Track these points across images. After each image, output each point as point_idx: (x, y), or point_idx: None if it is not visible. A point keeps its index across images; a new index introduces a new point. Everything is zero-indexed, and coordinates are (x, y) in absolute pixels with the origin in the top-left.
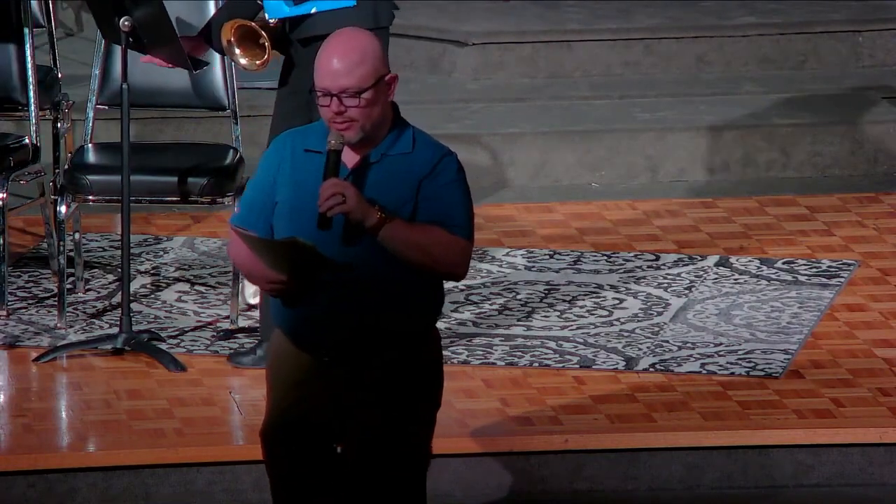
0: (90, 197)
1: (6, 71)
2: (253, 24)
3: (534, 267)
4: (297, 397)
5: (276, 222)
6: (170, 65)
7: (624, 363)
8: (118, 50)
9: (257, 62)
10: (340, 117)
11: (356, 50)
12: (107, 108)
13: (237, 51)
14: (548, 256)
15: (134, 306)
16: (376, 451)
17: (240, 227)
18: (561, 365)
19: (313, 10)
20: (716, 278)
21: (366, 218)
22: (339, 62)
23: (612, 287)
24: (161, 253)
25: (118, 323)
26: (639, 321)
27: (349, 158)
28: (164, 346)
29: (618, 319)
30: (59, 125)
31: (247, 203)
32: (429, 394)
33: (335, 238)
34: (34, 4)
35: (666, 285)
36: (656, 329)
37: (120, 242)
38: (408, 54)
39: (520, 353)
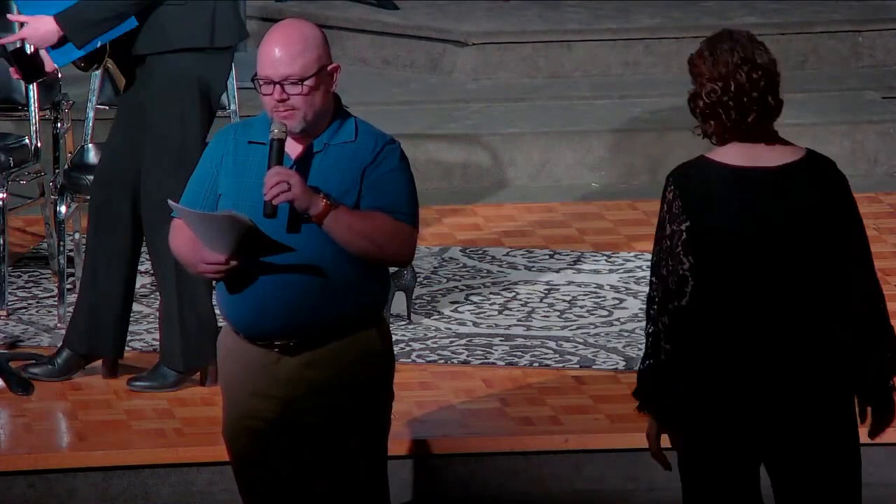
0: (90, 197)
1: (6, 71)
2: None
3: (534, 267)
4: (249, 392)
5: None
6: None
7: (624, 363)
8: None
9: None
10: (283, 105)
11: (299, 39)
12: (107, 108)
13: None
14: (548, 256)
15: (134, 306)
16: (328, 443)
17: (174, 205)
18: (561, 365)
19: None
20: None
21: (311, 206)
22: (281, 51)
23: (612, 287)
24: None
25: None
26: (639, 321)
27: (292, 149)
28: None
29: (618, 319)
30: (58, 125)
31: (189, 195)
32: (377, 385)
33: (281, 227)
34: None
35: None
36: None
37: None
38: (408, 54)
39: (520, 353)
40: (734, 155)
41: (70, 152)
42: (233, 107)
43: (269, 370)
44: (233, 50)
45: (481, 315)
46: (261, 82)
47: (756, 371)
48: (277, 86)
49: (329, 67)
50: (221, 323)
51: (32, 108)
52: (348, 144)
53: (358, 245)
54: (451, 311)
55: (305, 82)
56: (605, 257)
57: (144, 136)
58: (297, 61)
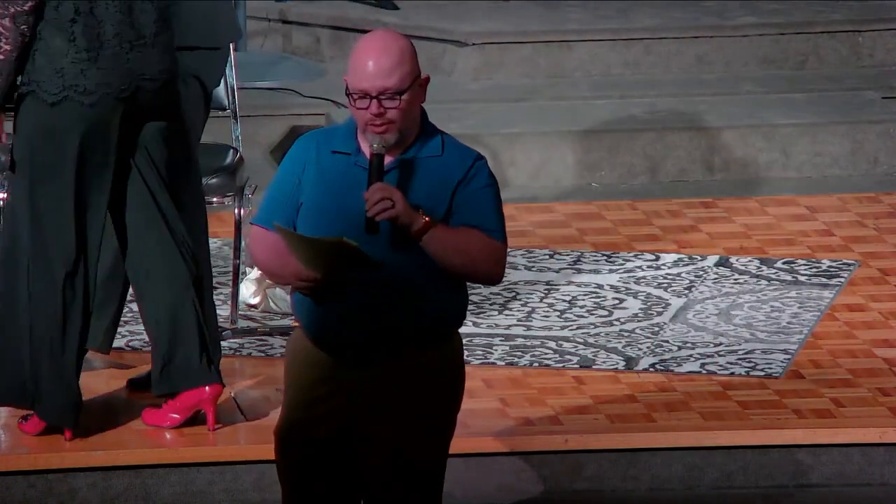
0: None
1: None
2: None
3: (534, 267)
4: (314, 398)
5: (301, 223)
6: None
7: (624, 363)
8: None
9: None
10: (379, 119)
11: (394, 51)
12: None
13: None
14: (548, 256)
15: (133, 306)
16: (393, 454)
17: (277, 224)
18: (561, 365)
19: None
20: (716, 278)
21: (412, 223)
22: (376, 63)
23: (612, 287)
24: None
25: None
26: (639, 321)
27: None
28: None
29: (618, 319)
30: None
31: (269, 202)
32: (449, 400)
33: (381, 244)
34: None
35: (666, 285)
36: (656, 329)
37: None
38: None
39: (520, 353)
40: None
41: None
42: (232, 106)
43: (338, 379)
44: (227, 49)
45: (481, 315)
46: (355, 96)
47: None
48: (374, 100)
49: (421, 78)
50: (224, 324)
51: None
52: (434, 159)
53: (453, 261)
54: None
55: (403, 96)
56: (605, 257)
57: None
58: (394, 74)
